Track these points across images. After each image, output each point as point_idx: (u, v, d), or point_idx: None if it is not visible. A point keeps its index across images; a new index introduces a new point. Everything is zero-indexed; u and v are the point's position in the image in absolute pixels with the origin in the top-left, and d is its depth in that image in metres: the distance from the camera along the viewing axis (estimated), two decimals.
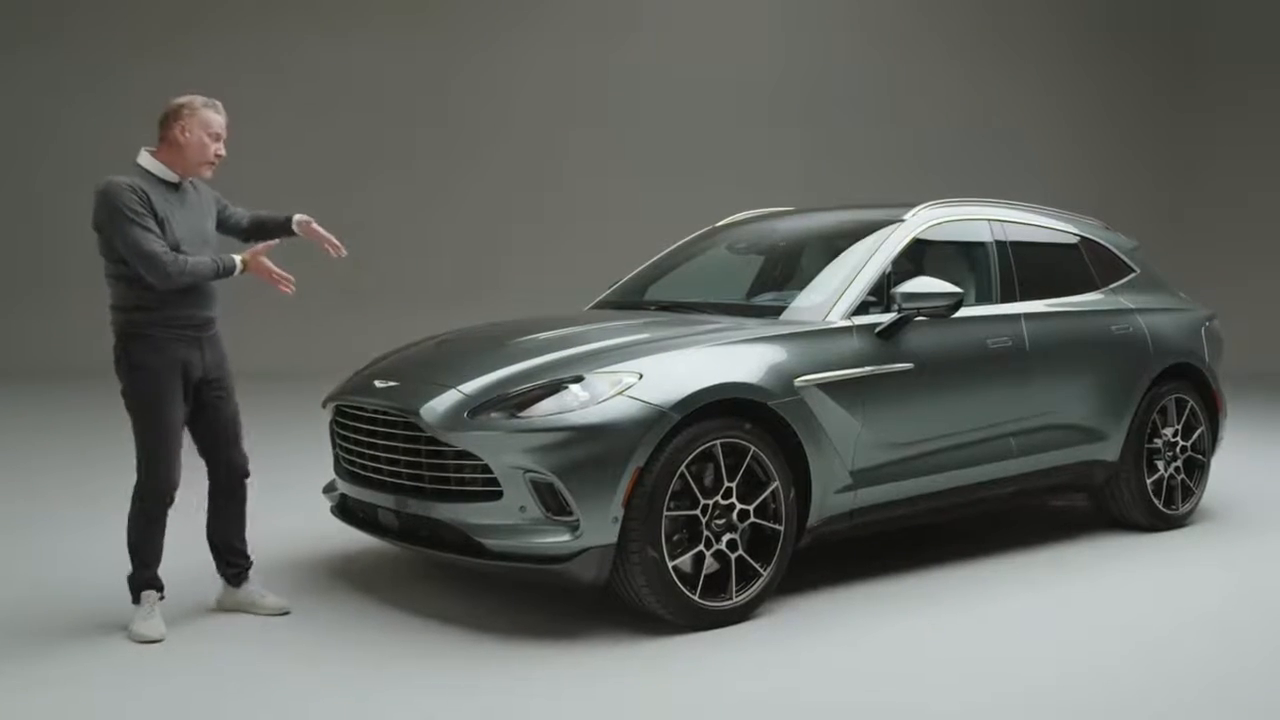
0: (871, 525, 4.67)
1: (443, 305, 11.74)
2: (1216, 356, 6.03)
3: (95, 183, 4.01)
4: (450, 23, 13.64)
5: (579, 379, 4.11)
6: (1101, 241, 5.99)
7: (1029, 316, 5.29)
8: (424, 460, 4.20)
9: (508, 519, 4.01)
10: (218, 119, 4.12)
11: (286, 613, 4.33)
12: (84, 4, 13.31)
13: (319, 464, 5.35)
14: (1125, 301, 5.78)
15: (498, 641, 4.03)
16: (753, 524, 4.22)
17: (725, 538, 4.16)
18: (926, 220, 5.18)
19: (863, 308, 4.73)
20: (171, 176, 4.09)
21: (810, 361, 4.43)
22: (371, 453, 4.46)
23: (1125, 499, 5.54)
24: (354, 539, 5.20)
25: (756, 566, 4.23)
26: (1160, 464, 5.63)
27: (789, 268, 5.62)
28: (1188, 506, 5.74)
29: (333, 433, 4.82)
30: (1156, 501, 5.59)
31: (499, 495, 4.01)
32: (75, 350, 12.58)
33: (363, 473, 4.55)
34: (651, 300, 5.51)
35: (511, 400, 4.08)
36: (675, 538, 4.08)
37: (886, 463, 4.62)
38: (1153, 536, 5.53)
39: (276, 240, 4.30)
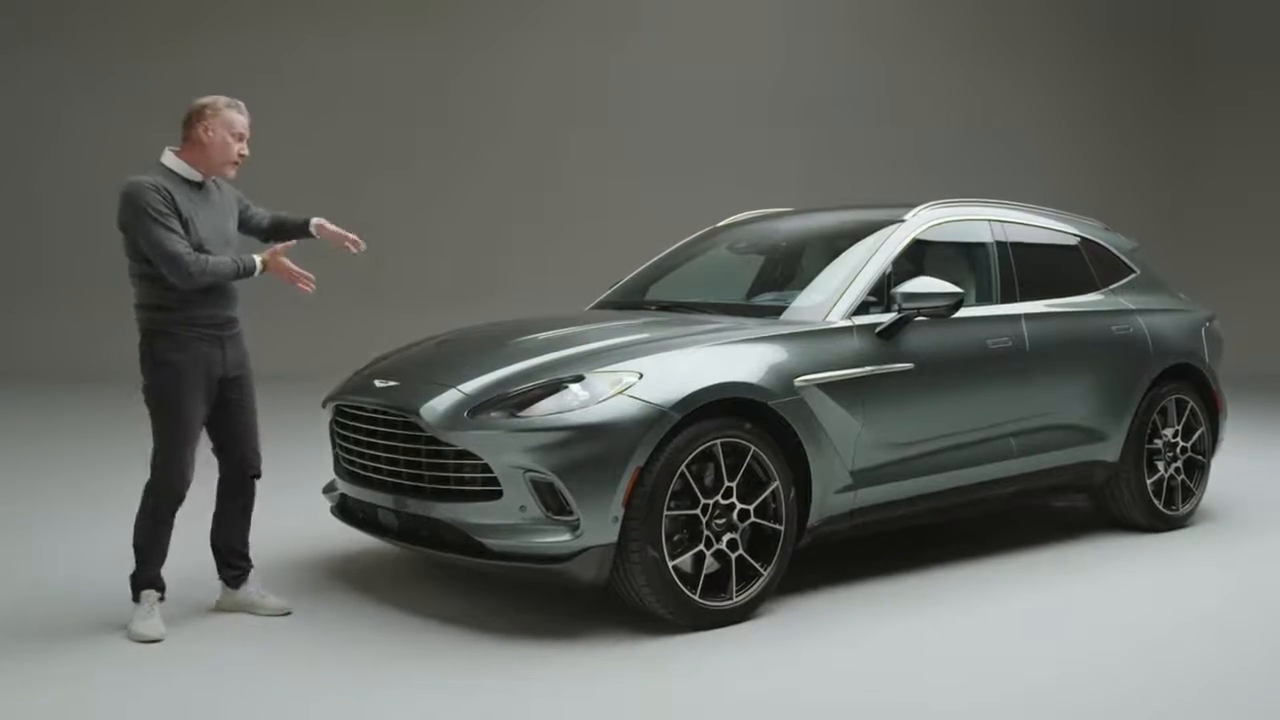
0: (872, 525, 4.67)
1: (443, 305, 11.73)
2: (1216, 357, 6.03)
3: (119, 183, 4.05)
4: (450, 23, 13.63)
5: (579, 378, 4.11)
6: (1101, 242, 5.99)
7: (1029, 317, 5.29)
8: (424, 460, 4.20)
9: (508, 519, 4.01)
10: (241, 119, 4.16)
11: (288, 613, 4.33)
12: (84, 4, 13.31)
13: (319, 464, 5.34)
14: (1125, 302, 5.78)
15: (498, 641, 4.03)
16: (753, 524, 4.22)
17: (725, 537, 4.16)
18: (927, 220, 5.19)
19: (863, 308, 4.73)
20: (195, 176, 4.13)
21: (810, 361, 4.43)
22: (371, 452, 4.46)
23: (1125, 499, 5.54)
24: (354, 539, 5.20)
25: (757, 566, 4.22)
26: (1160, 464, 5.63)
27: (789, 268, 5.62)
28: (1188, 507, 5.74)
29: (332, 433, 4.82)
30: (1156, 502, 5.59)
31: (499, 495, 4.01)
32: (75, 351, 12.62)
33: (362, 473, 4.55)
34: (652, 300, 5.51)
35: (512, 400, 4.08)
36: (675, 537, 4.08)
37: (887, 463, 4.62)
38: (1153, 537, 5.53)
39: (295, 240, 4.34)
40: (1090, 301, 5.68)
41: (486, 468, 4.02)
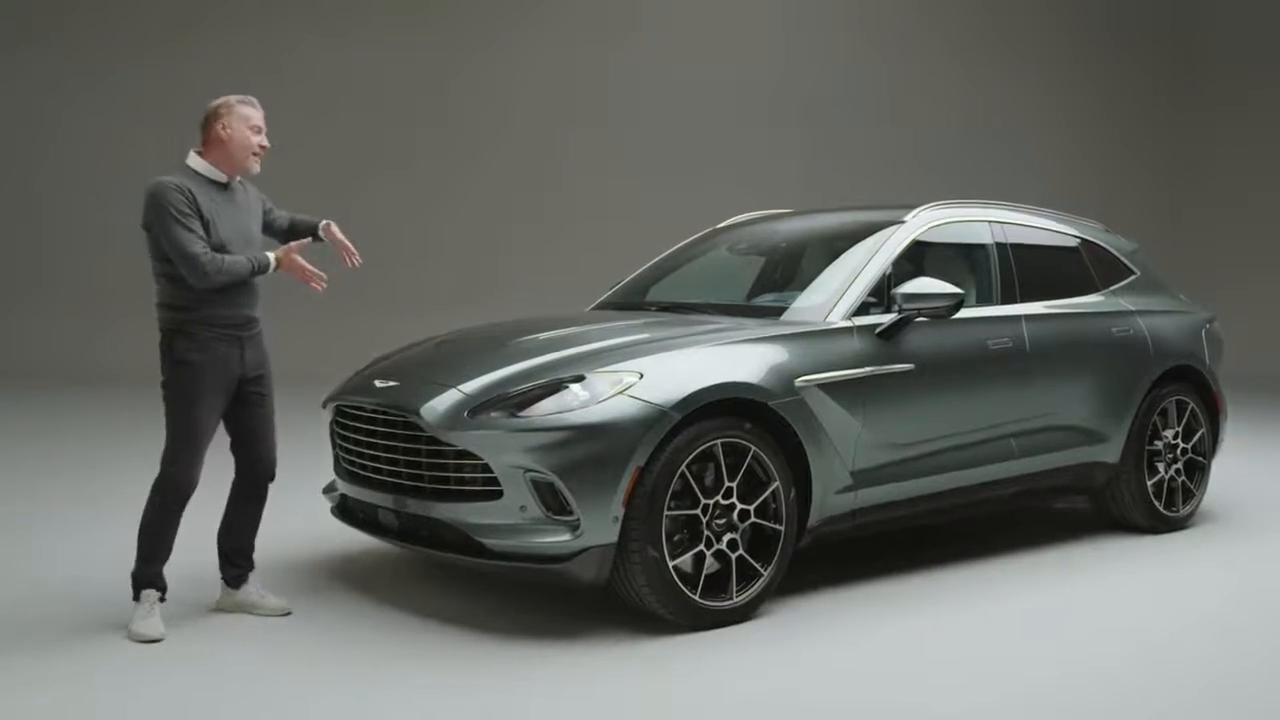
0: (872, 526, 4.67)
1: (443, 306, 11.74)
2: (1217, 358, 6.03)
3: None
4: (450, 23, 13.63)
5: (579, 378, 4.11)
6: (1102, 243, 5.99)
7: (1029, 318, 5.29)
8: (424, 460, 4.20)
9: (508, 518, 4.01)
10: (255, 113, 4.22)
11: (288, 614, 4.33)
12: (84, 4, 13.30)
13: (319, 465, 5.34)
14: (1125, 303, 5.78)
15: (498, 641, 4.03)
16: (753, 524, 4.22)
17: (726, 537, 4.16)
18: (927, 221, 5.19)
19: (863, 308, 4.73)
20: (220, 176, 4.17)
21: (811, 362, 4.43)
22: (371, 453, 4.46)
23: (1126, 500, 5.54)
24: (354, 539, 5.20)
25: (757, 566, 4.22)
26: (1161, 466, 5.63)
27: (790, 269, 5.62)
28: (1188, 508, 5.74)
29: (333, 433, 4.82)
30: (1157, 503, 5.59)
31: (499, 495, 4.01)
32: (74, 352, 12.62)
33: (363, 473, 4.55)
34: (653, 301, 5.51)
35: (512, 400, 4.08)
36: (676, 537, 4.08)
37: (887, 463, 4.62)
38: (1153, 538, 5.53)
39: (309, 239, 4.37)
40: (1090, 303, 5.68)
41: (487, 468, 4.02)
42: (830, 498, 4.45)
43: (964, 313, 4.91)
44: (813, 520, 4.43)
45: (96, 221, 13.04)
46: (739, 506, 4.18)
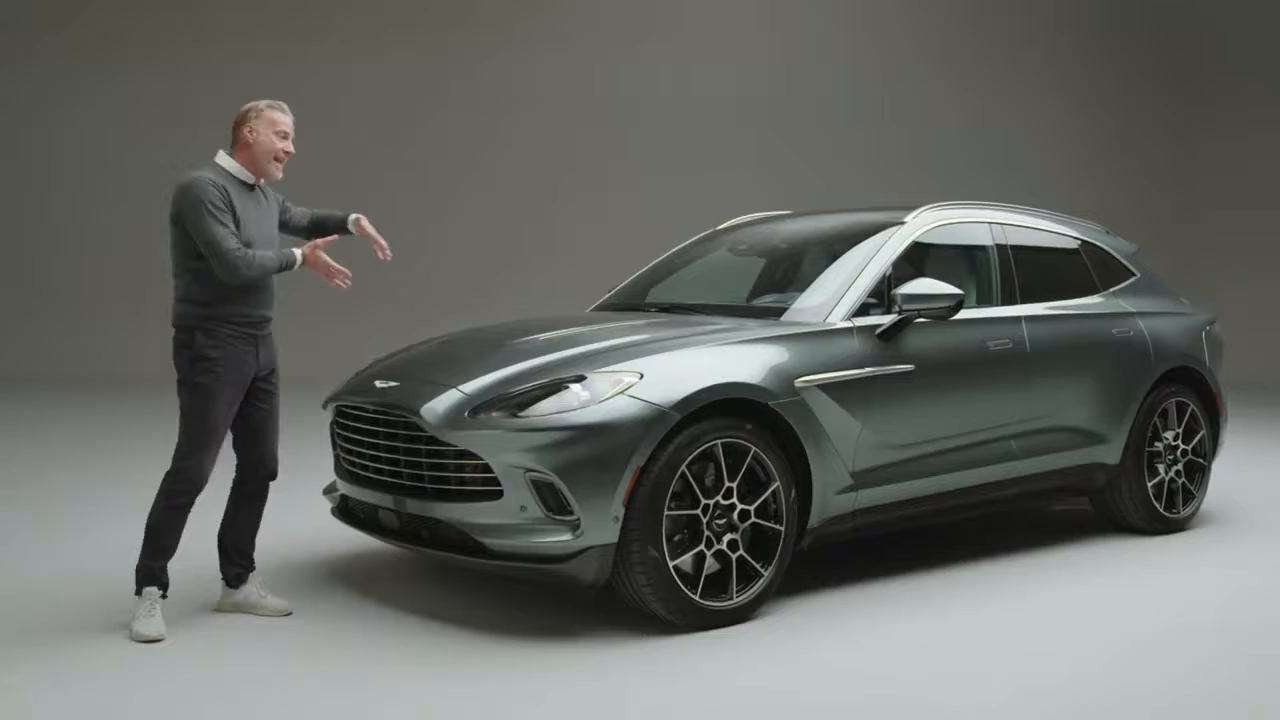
0: (873, 526, 4.67)
1: (444, 308, 11.76)
2: (1217, 360, 6.03)
3: (177, 178, 4.13)
4: (451, 28, 13.65)
5: (580, 378, 4.11)
6: (1102, 245, 6.00)
7: (1029, 319, 5.30)
8: (424, 460, 4.20)
9: (508, 518, 4.01)
10: (283, 118, 4.27)
11: (288, 614, 4.33)
12: (87, 13, 13.31)
13: (320, 465, 5.35)
14: (1126, 305, 5.79)
15: (498, 641, 4.03)
16: (753, 524, 4.22)
17: (726, 538, 4.16)
18: (927, 223, 5.19)
19: (863, 309, 4.73)
20: (248, 177, 4.23)
21: (811, 362, 4.44)
22: (372, 453, 4.46)
23: (1126, 502, 5.54)
24: (354, 539, 5.20)
25: (757, 567, 4.22)
26: (1161, 467, 5.63)
27: (790, 270, 5.62)
28: (1188, 510, 5.73)
29: (333, 434, 4.82)
30: (1157, 505, 5.59)
31: (499, 495, 4.01)
32: (74, 353, 12.63)
33: (363, 473, 4.55)
34: (653, 302, 5.51)
35: (512, 399, 4.08)
36: (676, 538, 4.08)
37: (887, 464, 4.62)
38: (1153, 540, 5.53)
39: (335, 236, 4.40)
40: (1091, 304, 5.69)
41: (487, 468, 4.02)
42: (830, 498, 4.45)
43: (964, 314, 4.92)
44: (813, 521, 4.43)
45: (97, 228, 13.07)
46: (739, 507, 4.18)
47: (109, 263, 13.00)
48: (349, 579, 4.85)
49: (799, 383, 4.35)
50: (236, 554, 4.39)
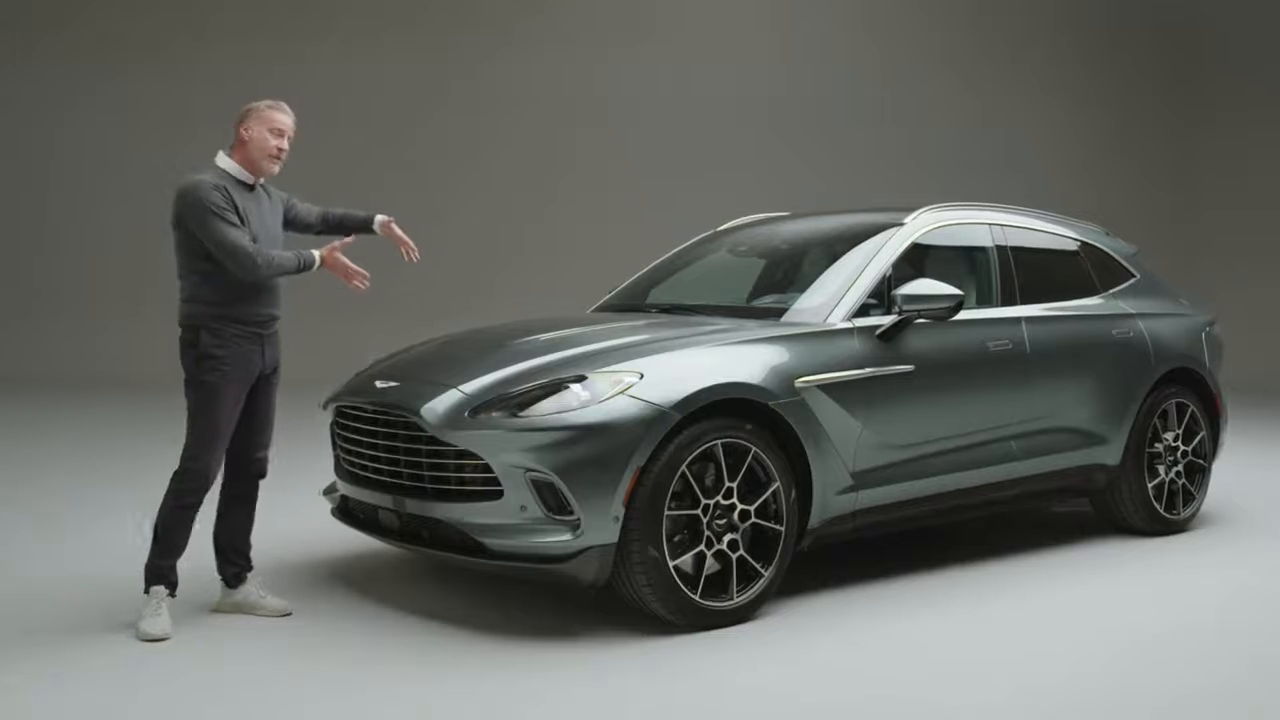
0: (873, 527, 4.67)
1: (444, 308, 11.74)
2: (1217, 361, 6.03)
3: (178, 180, 4.14)
4: (451, 28, 13.64)
5: (580, 378, 4.11)
6: (1101, 246, 6.00)
7: (1029, 320, 5.30)
8: (424, 460, 4.20)
9: (508, 518, 4.01)
10: (280, 116, 4.28)
11: (288, 614, 4.33)
12: (87, 13, 13.31)
13: (320, 466, 5.35)
14: (1125, 306, 5.79)
15: (498, 641, 4.03)
16: (754, 524, 4.22)
17: (726, 538, 4.16)
18: (927, 224, 5.19)
19: (864, 310, 4.73)
20: (247, 177, 4.23)
21: (811, 362, 4.44)
22: (372, 453, 4.46)
23: (1126, 503, 5.54)
24: (354, 540, 5.20)
25: (757, 567, 4.22)
26: (1161, 469, 5.63)
27: (790, 271, 5.62)
28: (1189, 511, 5.73)
29: (333, 434, 4.82)
30: (1157, 506, 5.59)
31: (499, 495, 4.01)
32: (74, 354, 12.62)
33: (363, 473, 4.55)
34: (654, 303, 5.51)
35: (513, 399, 4.08)
36: (676, 538, 4.08)
37: (888, 464, 4.62)
38: (1153, 541, 5.53)
39: (353, 238, 4.41)
40: (1090, 305, 5.69)
41: (487, 468, 4.02)
42: (831, 499, 4.45)
43: (964, 314, 4.92)
44: (813, 521, 4.43)
45: (96, 229, 13.06)
46: (739, 507, 4.18)
47: (109, 263, 13.00)
48: (349, 579, 4.85)
49: (799, 383, 4.35)
50: (233, 553, 4.39)
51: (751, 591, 4.20)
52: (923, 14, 14.22)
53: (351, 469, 4.65)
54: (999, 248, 5.43)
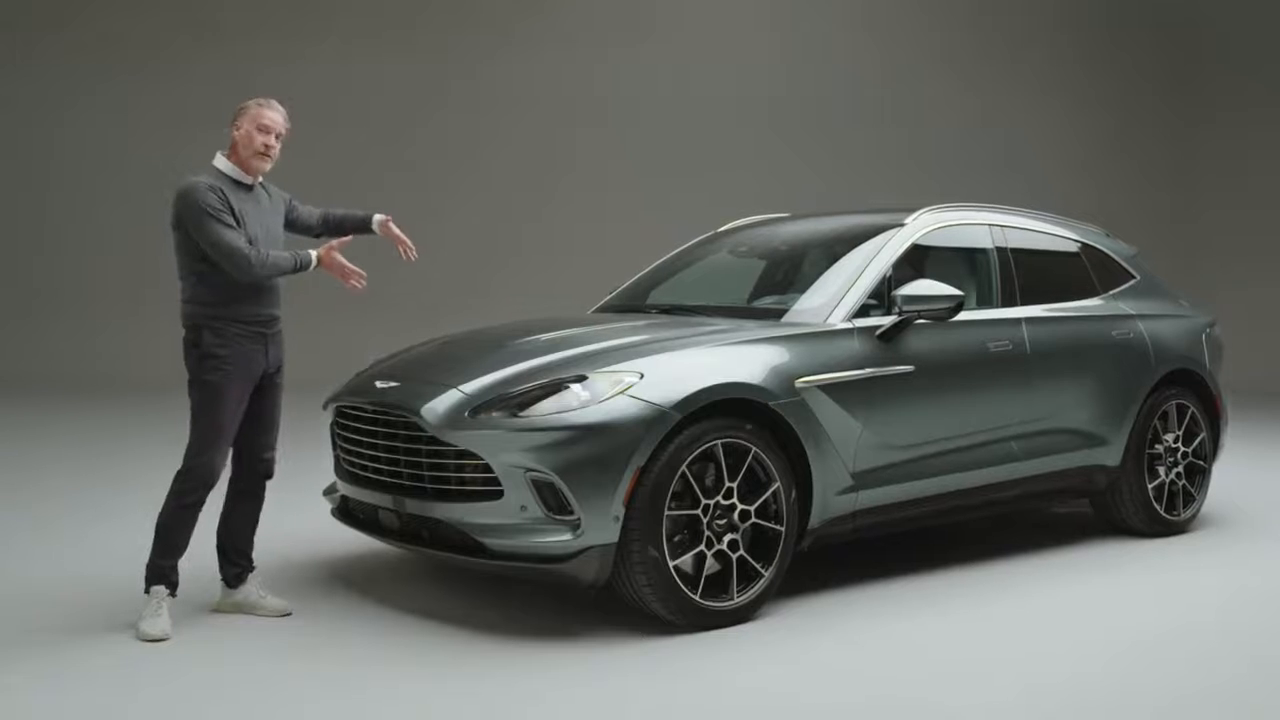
0: (873, 527, 4.67)
1: (444, 308, 11.73)
2: (1217, 362, 6.03)
3: (175, 184, 4.15)
4: (451, 28, 13.64)
5: (580, 378, 4.11)
6: (1102, 248, 6.00)
7: (1030, 321, 5.30)
8: (424, 460, 4.20)
9: (509, 518, 4.01)
10: (268, 114, 4.27)
11: (288, 614, 4.33)
12: (87, 13, 13.31)
13: (320, 466, 5.35)
14: (1126, 307, 5.78)
15: (498, 641, 4.03)
16: (754, 524, 4.22)
17: (726, 538, 4.16)
18: (927, 225, 5.19)
19: (864, 311, 4.73)
20: (244, 178, 4.24)
21: (811, 363, 4.44)
22: (372, 453, 4.46)
23: (1126, 504, 5.54)
24: (354, 540, 5.20)
25: (757, 567, 4.22)
26: (1161, 469, 5.62)
27: (791, 272, 5.63)
28: (1189, 512, 5.73)
29: (333, 434, 4.82)
30: (1158, 507, 5.58)
31: (500, 495, 4.01)
32: (74, 354, 12.62)
33: (363, 474, 4.55)
34: (654, 304, 5.51)
35: (513, 399, 4.08)
36: (676, 538, 4.08)
37: (888, 465, 4.62)
38: (1153, 542, 5.53)
39: (350, 238, 4.41)
40: (1091, 306, 5.68)
41: (487, 468, 4.02)
42: (831, 499, 4.45)
43: (964, 315, 4.92)
44: (813, 521, 4.43)
45: (96, 231, 13.05)
46: (740, 507, 4.18)
47: (109, 263, 13.00)
48: (349, 579, 4.85)
49: (799, 383, 4.35)
50: (235, 554, 4.39)
51: (751, 592, 4.20)
52: (923, 14, 14.22)
53: (351, 469, 4.64)
54: (999, 249, 5.43)
